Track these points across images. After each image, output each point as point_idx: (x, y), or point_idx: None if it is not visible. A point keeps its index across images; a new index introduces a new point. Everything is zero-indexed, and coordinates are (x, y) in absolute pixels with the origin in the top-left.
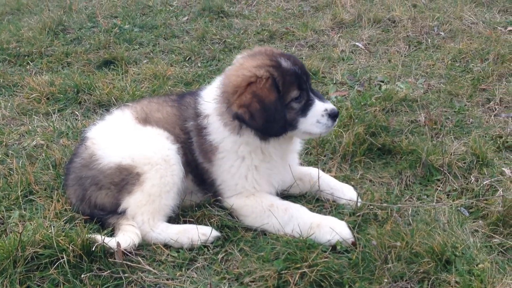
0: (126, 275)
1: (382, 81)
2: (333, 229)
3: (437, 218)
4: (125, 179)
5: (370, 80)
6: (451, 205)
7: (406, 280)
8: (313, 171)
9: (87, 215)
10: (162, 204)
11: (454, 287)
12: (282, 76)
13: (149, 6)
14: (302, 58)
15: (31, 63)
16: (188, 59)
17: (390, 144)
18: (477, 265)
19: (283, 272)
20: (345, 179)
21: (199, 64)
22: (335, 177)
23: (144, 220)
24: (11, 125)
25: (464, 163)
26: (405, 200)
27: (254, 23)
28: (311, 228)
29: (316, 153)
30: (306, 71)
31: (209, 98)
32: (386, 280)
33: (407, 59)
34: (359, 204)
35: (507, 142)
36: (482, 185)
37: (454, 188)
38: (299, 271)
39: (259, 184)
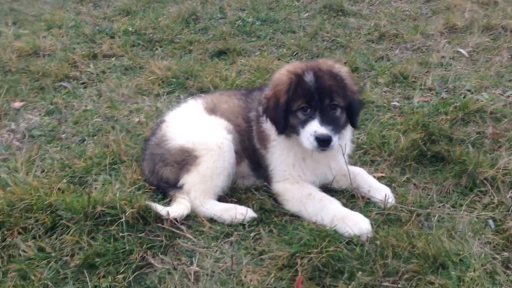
0: (168, 240)
1: (469, 90)
2: (355, 224)
3: (455, 225)
4: (185, 159)
5: (456, 88)
6: (476, 216)
7: (396, 277)
8: (356, 170)
9: (154, 186)
10: (213, 184)
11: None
12: (296, 86)
13: (277, 1)
14: (402, 62)
15: (159, 49)
16: (295, 54)
17: (444, 153)
18: (469, 273)
19: (296, 254)
20: (390, 181)
21: (303, 60)
22: (383, 178)
23: (196, 196)
24: (126, 102)
25: (505, 177)
26: (438, 207)
27: (368, 23)
28: (336, 219)
29: (373, 153)
30: (325, 91)
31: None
32: (380, 274)
33: (503, 69)
34: (388, 205)
35: None
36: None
37: (492, 201)
38: (310, 255)
39: (304, 173)
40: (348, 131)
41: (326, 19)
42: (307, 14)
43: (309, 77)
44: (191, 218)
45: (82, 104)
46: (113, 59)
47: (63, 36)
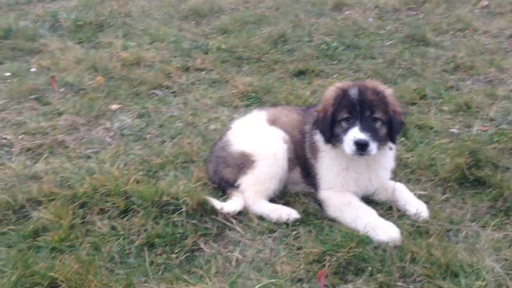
0: (218, 231)
1: None
2: (385, 232)
3: (479, 241)
4: (244, 163)
5: None
6: (503, 236)
7: (411, 279)
8: (396, 185)
9: (216, 184)
10: (266, 187)
11: None
12: (341, 99)
13: (364, 28)
14: (469, 92)
15: (246, 66)
16: (370, 78)
17: (485, 177)
18: (477, 282)
19: (327, 252)
20: (429, 199)
21: None
22: (424, 196)
23: (250, 196)
24: (208, 111)
25: None
26: (468, 225)
27: (447, 54)
28: (369, 227)
29: (419, 173)
30: (366, 103)
31: None
32: (396, 275)
33: None
34: (420, 218)
35: None
36: None
37: None
38: (338, 254)
39: (347, 183)
40: (390, 149)
41: (407, 47)
42: (389, 42)
43: (353, 91)
44: (243, 214)
45: (169, 110)
46: (203, 72)
47: (163, 50)
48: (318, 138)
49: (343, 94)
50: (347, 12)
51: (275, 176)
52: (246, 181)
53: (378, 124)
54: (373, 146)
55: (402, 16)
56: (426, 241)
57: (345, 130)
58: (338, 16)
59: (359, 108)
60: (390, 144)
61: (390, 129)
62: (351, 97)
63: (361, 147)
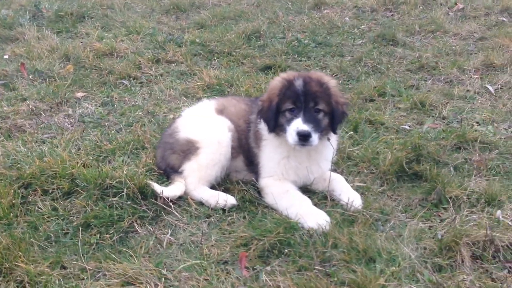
0: (155, 213)
1: (477, 122)
2: (314, 219)
3: (403, 230)
4: (189, 149)
5: (467, 119)
6: (429, 227)
7: (329, 264)
8: (334, 175)
9: (162, 170)
10: (208, 173)
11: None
12: (286, 90)
13: (338, 27)
14: (429, 91)
15: (216, 60)
16: (335, 75)
17: (423, 172)
18: (392, 267)
19: (254, 237)
20: (366, 190)
21: (340, 81)
22: (362, 187)
23: (192, 181)
24: (171, 102)
25: (471, 198)
26: (397, 215)
27: (413, 54)
28: (299, 214)
29: (362, 166)
30: (310, 95)
31: None
32: (316, 259)
33: None
34: (352, 208)
35: None
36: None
37: (452, 218)
38: (265, 239)
39: (286, 171)
40: (333, 140)
41: (376, 47)
42: (360, 41)
43: (298, 83)
44: (183, 199)
45: (133, 100)
46: (173, 65)
47: (138, 42)
48: (262, 127)
49: (288, 85)
50: (325, 11)
51: (217, 163)
52: (190, 167)
53: (320, 115)
54: (314, 137)
55: (378, 17)
56: (349, 228)
57: (289, 121)
58: (316, 14)
59: (303, 99)
60: (331, 135)
61: (332, 119)
62: (296, 88)
63: (303, 138)
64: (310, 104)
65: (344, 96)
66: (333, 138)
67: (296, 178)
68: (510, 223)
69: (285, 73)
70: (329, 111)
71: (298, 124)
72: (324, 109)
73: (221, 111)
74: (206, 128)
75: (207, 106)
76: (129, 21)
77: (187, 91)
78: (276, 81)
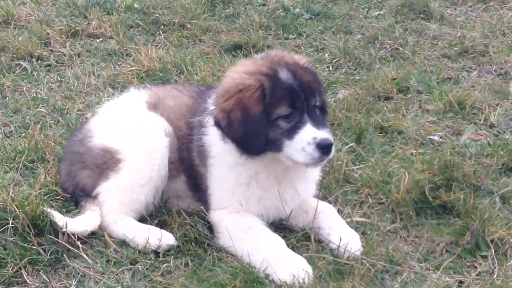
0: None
1: None
2: (287, 270)
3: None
4: (107, 162)
5: None
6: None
7: None
8: (322, 205)
9: (69, 193)
10: (133, 197)
11: None
12: (272, 88)
13: None
14: (473, 87)
15: (162, 35)
16: (335, 61)
17: (455, 203)
18: None
19: None
20: (370, 228)
21: (343, 70)
22: (364, 224)
23: (110, 210)
24: (90, 94)
25: None
26: (415, 265)
27: (454, 33)
28: (268, 261)
29: (366, 193)
30: (311, 89)
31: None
32: None
33: None
34: (347, 254)
35: None
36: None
37: (491, 269)
38: None
39: (247, 202)
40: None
41: (399, 21)
42: (377, 12)
43: (287, 75)
44: (98, 237)
45: (34, 90)
46: (98, 40)
47: (48, 6)
48: (208, 138)
49: (273, 82)
50: None
51: (147, 183)
52: (107, 189)
53: (318, 114)
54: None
55: None
56: (340, 284)
57: (290, 132)
58: None
59: (303, 96)
60: None
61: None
62: (287, 84)
63: (327, 150)
64: (312, 102)
65: None
66: None
67: (262, 210)
68: None
69: (244, 65)
70: (321, 104)
71: (313, 133)
72: (319, 104)
73: (154, 106)
74: (131, 131)
75: (135, 98)
76: None
77: (115, 79)
78: (244, 80)
